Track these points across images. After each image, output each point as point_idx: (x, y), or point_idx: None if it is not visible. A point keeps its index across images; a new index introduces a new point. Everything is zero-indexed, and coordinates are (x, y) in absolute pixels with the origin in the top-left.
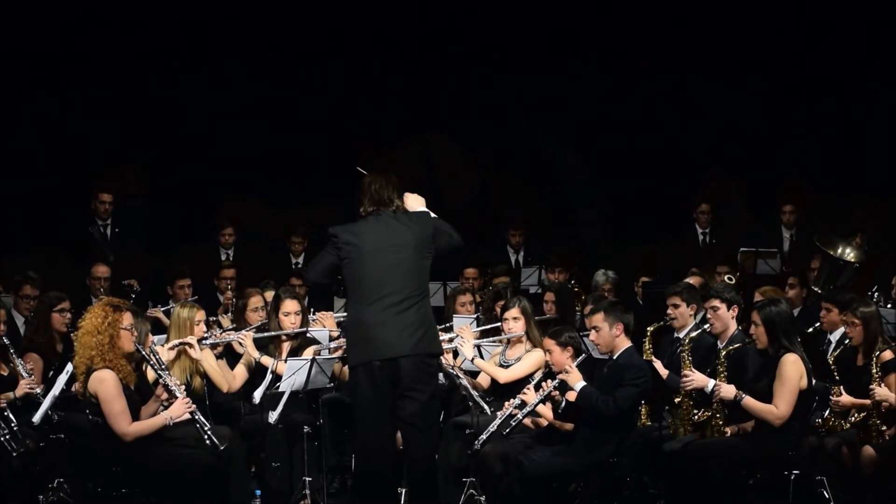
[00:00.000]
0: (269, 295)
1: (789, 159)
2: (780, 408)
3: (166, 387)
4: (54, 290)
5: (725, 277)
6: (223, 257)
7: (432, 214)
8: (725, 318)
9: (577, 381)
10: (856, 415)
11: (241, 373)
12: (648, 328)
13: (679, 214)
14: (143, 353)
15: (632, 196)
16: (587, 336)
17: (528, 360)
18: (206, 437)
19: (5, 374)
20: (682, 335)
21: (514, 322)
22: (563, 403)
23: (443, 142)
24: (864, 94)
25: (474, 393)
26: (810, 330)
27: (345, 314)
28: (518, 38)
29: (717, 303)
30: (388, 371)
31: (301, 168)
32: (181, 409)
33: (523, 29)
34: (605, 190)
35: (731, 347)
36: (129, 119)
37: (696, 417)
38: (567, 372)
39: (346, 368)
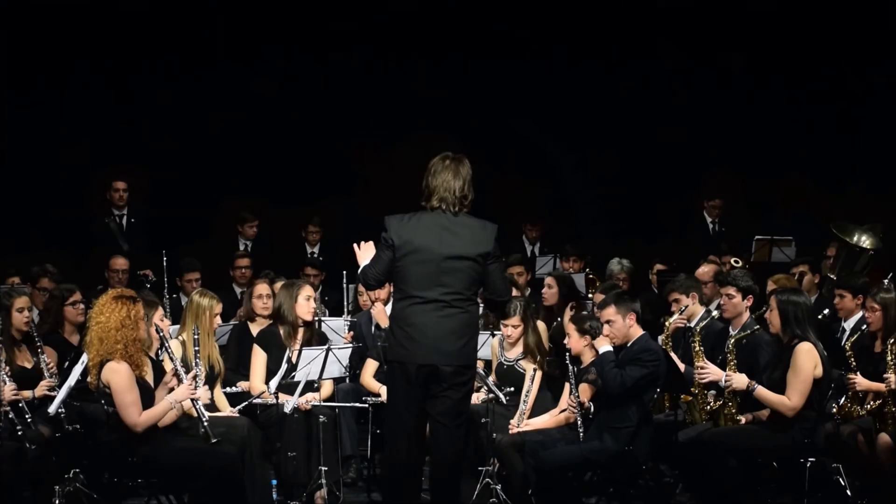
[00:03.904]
0: (276, 286)
1: (789, 159)
2: (792, 399)
3: (175, 371)
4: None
5: (732, 261)
6: (241, 247)
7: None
8: (739, 306)
9: (604, 345)
10: (871, 402)
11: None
12: (667, 323)
13: (679, 214)
14: (161, 334)
15: (632, 196)
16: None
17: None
18: (201, 427)
19: (29, 367)
20: (693, 324)
21: (514, 328)
22: (592, 409)
23: (442, 142)
24: (865, 93)
25: (490, 382)
26: (820, 317)
27: None
28: (517, 38)
29: (732, 290)
30: (423, 374)
31: (301, 168)
32: (185, 392)
33: (523, 28)
34: (606, 190)
35: (741, 335)
36: (129, 119)
37: (710, 407)
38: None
39: None
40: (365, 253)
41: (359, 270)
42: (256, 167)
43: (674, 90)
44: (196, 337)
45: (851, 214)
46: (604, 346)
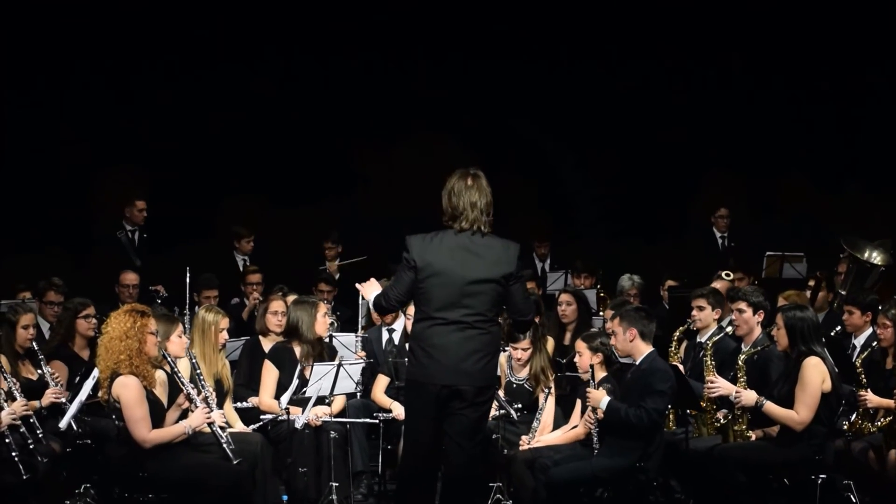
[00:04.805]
0: (289, 299)
1: (789, 159)
2: (800, 413)
3: (188, 395)
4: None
5: (723, 274)
6: (240, 265)
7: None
8: (751, 321)
9: (602, 399)
10: (882, 419)
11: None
12: (675, 334)
13: (679, 215)
14: (169, 359)
15: (632, 196)
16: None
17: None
18: (222, 449)
19: (34, 378)
20: (703, 339)
21: (524, 352)
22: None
23: (442, 142)
24: (864, 93)
25: (501, 398)
26: (833, 333)
27: None
28: (517, 38)
29: (743, 305)
30: (445, 394)
31: (301, 168)
32: (200, 419)
33: (523, 28)
34: (606, 190)
35: (751, 351)
36: (129, 119)
37: (718, 423)
38: (588, 395)
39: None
40: (369, 288)
41: (370, 302)
42: (256, 167)
43: (674, 90)
44: (194, 360)
45: (851, 215)
46: (602, 400)
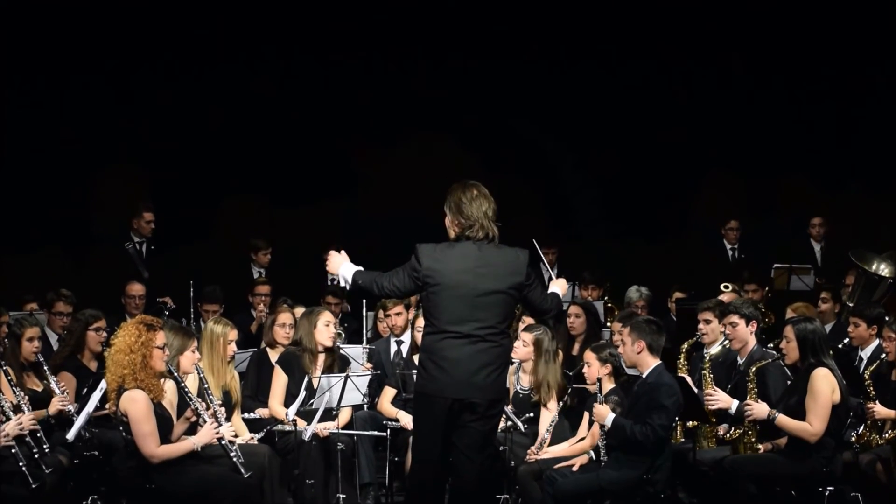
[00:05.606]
0: (298, 311)
1: (789, 159)
2: (814, 424)
3: (196, 410)
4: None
5: (721, 286)
6: (255, 275)
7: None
8: (744, 333)
9: (607, 416)
10: (890, 431)
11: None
12: (683, 346)
13: (679, 215)
14: (176, 374)
15: (632, 196)
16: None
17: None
18: (233, 460)
19: (39, 390)
20: (708, 351)
21: (523, 347)
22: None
23: (442, 142)
24: (865, 93)
25: (508, 411)
26: (840, 346)
27: None
28: (517, 38)
29: (735, 318)
30: (456, 408)
31: (301, 168)
32: (209, 435)
33: (523, 28)
34: (606, 190)
35: (760, 363)
36: (129, 119)
37: (728, 436)
38: (595, 411)
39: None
40: (334, 261)
41: (345, 279)
42: (256, 167)
43: (674, 90)
44: (201, 375)
45: (850, 215)
46: (608, 416)
